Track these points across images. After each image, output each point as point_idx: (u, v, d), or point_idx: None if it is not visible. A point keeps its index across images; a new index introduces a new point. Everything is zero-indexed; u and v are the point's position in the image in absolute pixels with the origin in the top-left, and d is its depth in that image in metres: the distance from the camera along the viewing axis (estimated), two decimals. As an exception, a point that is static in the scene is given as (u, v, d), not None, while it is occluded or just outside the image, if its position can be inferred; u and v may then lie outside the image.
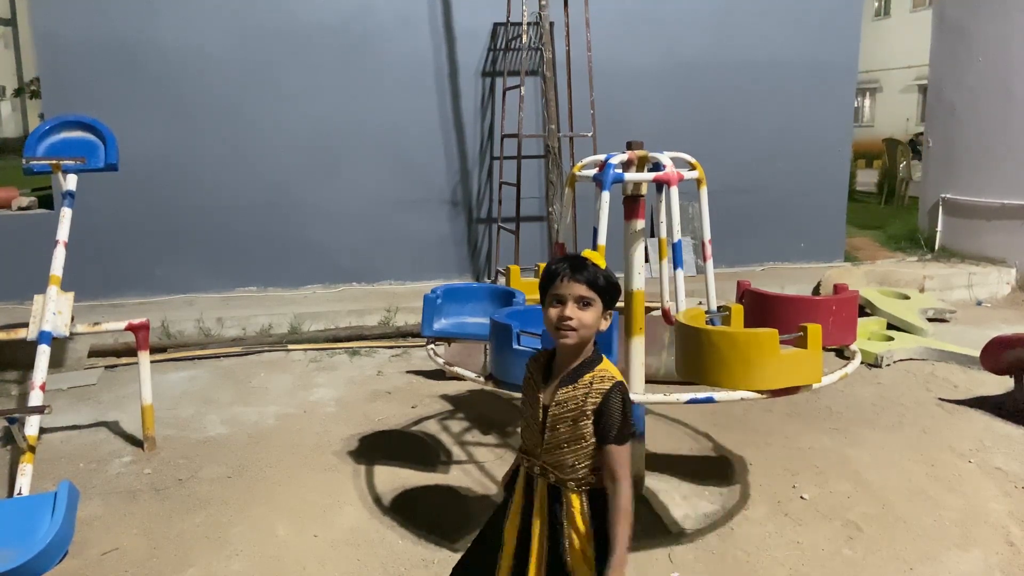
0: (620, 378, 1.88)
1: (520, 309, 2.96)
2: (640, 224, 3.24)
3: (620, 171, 3.02)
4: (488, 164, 7.32)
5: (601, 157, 3.14)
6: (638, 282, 3.15)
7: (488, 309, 3.11)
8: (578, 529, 1.87)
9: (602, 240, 2.96)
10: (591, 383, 1.85)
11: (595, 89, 6.85)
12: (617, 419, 1.83)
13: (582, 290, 1.85)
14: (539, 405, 1.92)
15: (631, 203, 3.22)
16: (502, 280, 3.87)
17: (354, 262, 7.08)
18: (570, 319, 1.83)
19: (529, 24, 6.65)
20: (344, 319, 6.10)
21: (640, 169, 3.14)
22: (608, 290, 1.88)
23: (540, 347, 2.48)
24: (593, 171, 3.09)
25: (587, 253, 1.91)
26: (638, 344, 3.16)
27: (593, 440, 1.85)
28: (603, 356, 1.92)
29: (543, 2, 6.60)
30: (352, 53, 6.83)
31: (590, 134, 6.80)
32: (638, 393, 2.93)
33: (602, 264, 1.89)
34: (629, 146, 3.13)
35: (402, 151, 7.05)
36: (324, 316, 6.10)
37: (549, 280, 1.89)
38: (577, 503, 1.88)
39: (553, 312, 1.86)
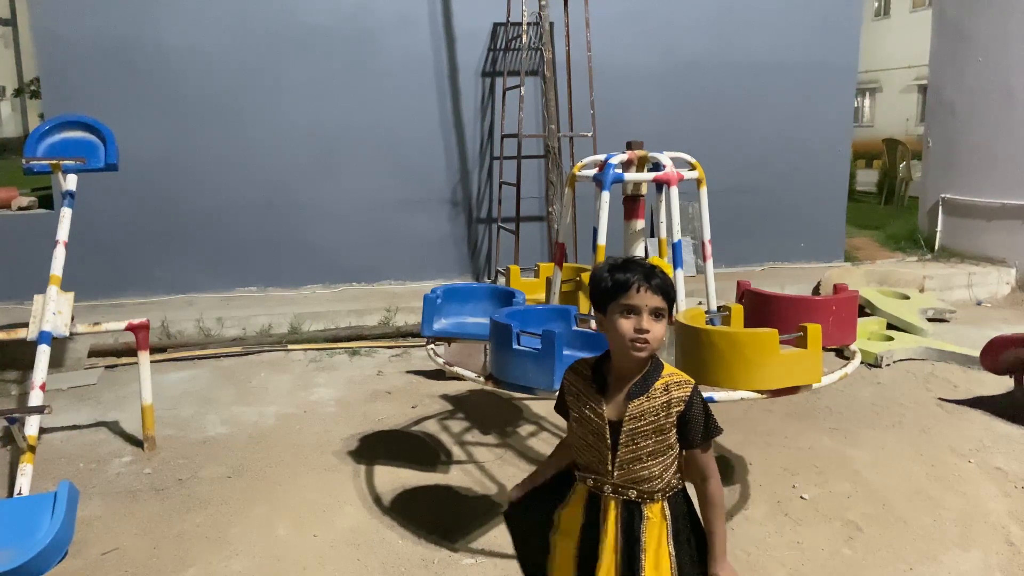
0: (691, 380, 1.83)
1: (520, 309, 2.96)
2: (640, 224, 3.24)
3: (620, 171, 3.03)
4: (488, 164, 7.32)
5: (601, 157, 3.15)
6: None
7: (488, 309, 3.11)
8: (654, 544, 1.82)
9: (602, 240, 2.96)
10: (667, 389, 1.79)
11: (595, 89, 6.85)
12: (702, 421, 1.80)
13: (657, 301, 1.75)
14: (603, 420, 1.81)
15: (631, 203, 3.22)
16: (502, 280, 3.87)
17: (354, 262, 7.08)
18: (647, 332, 1.73)
19: (529, 24, 6.65)
20: (344, 319, 6.10)
21: (640, 169, 3.15)
22: (674, 299, 1.80)
23: (540, 347, 2.48)
24: (593, 171, 3.09)
25: (655, 260, 1.86)
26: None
27: (678, 447, 1.81)
28: (661, 360, 1.85)
29: (543, 2, 6.60)
30: (352, 53, 6.83)
31: (590, 134, 6.80)
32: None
33: (669, 271, 1.85)
34: (629, 146, 3.14)
35: (402, 151, 7.05)
36: (324, 316, 6.10)
37: (617, 289, 1.75)
38: (659, 510, 1.83)
39: (626, 324, 1.74)
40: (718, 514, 1.85)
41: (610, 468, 1.81)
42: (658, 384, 1.79)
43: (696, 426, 1.79)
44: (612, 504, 1.83)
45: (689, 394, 1.79)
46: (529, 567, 2.07)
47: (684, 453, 1.85)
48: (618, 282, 1.76)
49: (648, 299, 1.74)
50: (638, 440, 1.78)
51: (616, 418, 1.80)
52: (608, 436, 1.80)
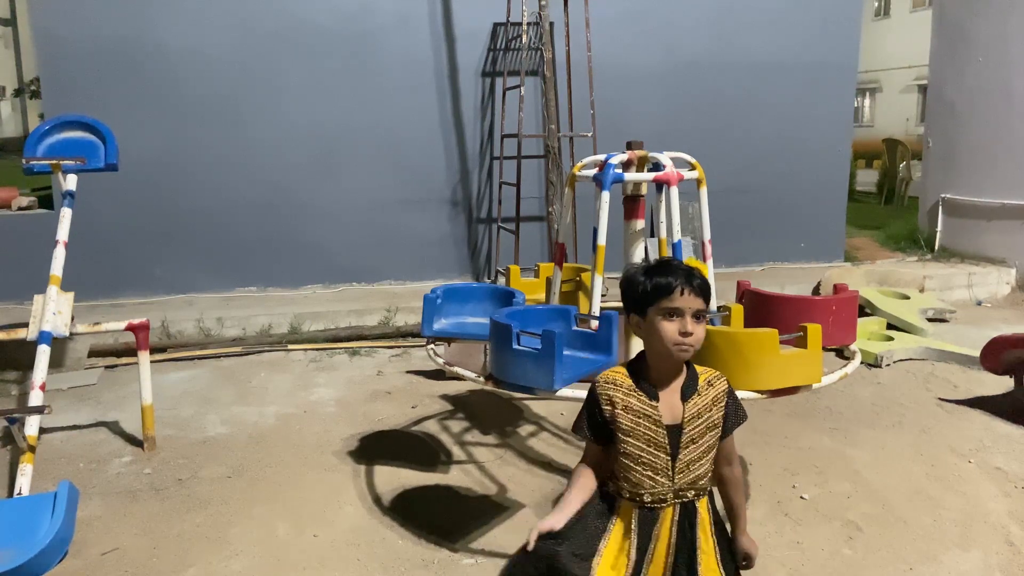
0: (720, 372, 1.91)
1: (520, 309, 2.96)
2: (640, 224, 3.24)
3: (620, 171, 3.03)
4: (488, 164, 7.32)
5: (601, 157, 3.15)
6: (638, 282, 3.14)
7: (488, 309, 3.10)
8: (705, 537, 1.86)
9: (602, 240, 2.96)
10: (710, 384, 1.85)
11: (595, 89, 6.85)
12: (740, 408, 1.89)
13: (700, 303, 1.78)
14: (661, 427, 1.80)
15: (631, 203, 3.22)
16: (502, 280, 3.87)
17: (354, 262, 7.08)
18: (691, 335, 1.76)
19: (529, 24, 6.65)
20: (344, 319, 6.10)
21: (640, 169, 3.15)
22: (711, 300, 1.86)
23: (540, 347, 2.48)
24: (593, 171, 3.09)
25: (690, 262, 1.88)
26: (638, 344, 3.15)
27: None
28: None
29: (543, 2, 6.60)
30: (352, 53, 6.83)
31: (590, 134, 6.80)
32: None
33: (705, 271, 1.89)
34: (629, 146, 3.13)
35: (402, 151, 7.05)
36: (324, 316, 6.10)
37: (660, 292, 1.77)
38: (705, 505, 1.88)
39: (670, 327, 1.76)
40: (741, 491, 1.96)
41: (671, 474, 1.81)
42: (701, 380, 1.85)
43: (733, 415, 1.87)
44: (670, 511, 1.83)
45: (727, 387, 1.88)
46: None
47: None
48: (659, 285, 1.77)
49: (691, 301, 1.77)
50: (697, 439, 1.82)
51: (672, 421, 1.80)
52: (667, 442, 1.80)
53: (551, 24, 6.68)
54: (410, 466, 3.76)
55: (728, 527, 2.00)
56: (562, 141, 6.82)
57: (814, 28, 7.81)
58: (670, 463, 1.80)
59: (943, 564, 2.94)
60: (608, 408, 1.84)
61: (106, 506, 3.41)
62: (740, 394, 2.57)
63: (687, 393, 1.81)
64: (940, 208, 8.51)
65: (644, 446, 1.81)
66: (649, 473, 1.81)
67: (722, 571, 1.87)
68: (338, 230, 6.98)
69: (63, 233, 4.16)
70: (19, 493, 3.30)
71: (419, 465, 3.77)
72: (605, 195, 2.92)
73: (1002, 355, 4.54)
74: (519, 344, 2.54)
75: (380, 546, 3.07)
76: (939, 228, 8.53)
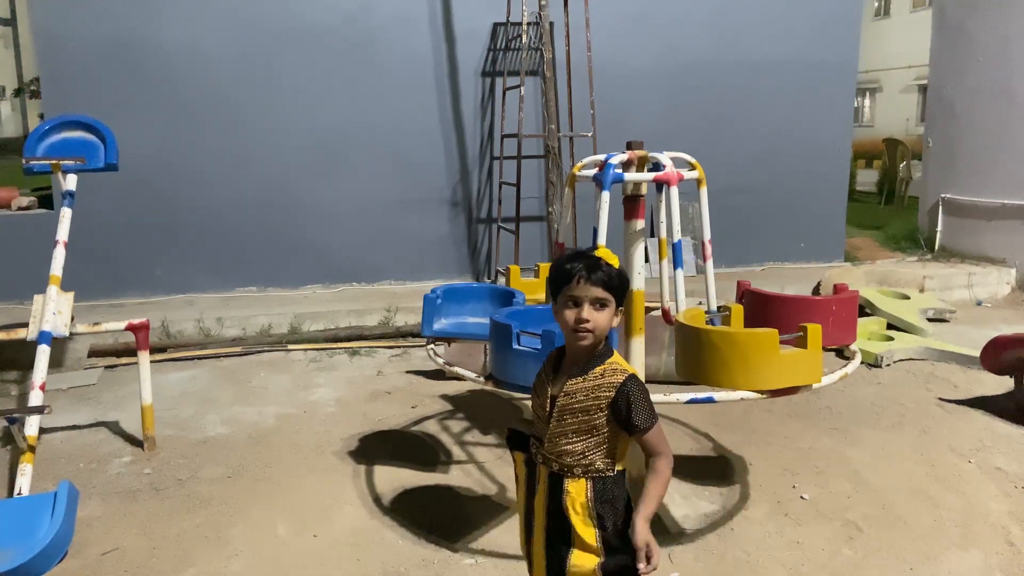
0: (632, 370, 1.91)
1: (520, 309, 2.96)
2: (640, 224, 3.24)
3: (620, 171, 3.02)
4: (488, 164, 7.32)
5: (601, 157, 3.14)
6: (638, 282, 3.15)
7: (488, 309, 3.11)
8: (579, 515, 1.89)
9: (602, 240, 2.96)
10: (603, 375, 1.88)
11: (595, 89, 6.85)
12: (640, 407, 1.86)
13: (598, 292, 1.85)
14: (547, 396, 1.95)
15: (631, 203, 3.22)
16: (502, 280, 3.87)
17: (354, 262, 7.08)
18: (587, 321, 1.84)
19: (529, 24, 6.65)
20: (344, 319, 6.10)
21: (640, 169, 3.14)
22: (622, 289, 1.90)
23: (540, 347, 2.48)
24: (593, 171, 3.09)
25: (602, 252, 1.91)
26: (638, 344, 3.16)
27: (606, 431, 1.88)
28: (613, 350, 1.95)
29: (543, 2, 6.60)
30: (352, 53, 6.83)
31: (590, 134, 6.80)
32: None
33: (615, 261, 1.90)
34: (629, 146, 3.13)
35: (402, 151, 7.05)
36: (324, 316, 6.10)
37: (563, 280, 1.88)
38: (581, 489, 1.89)
39: (569, 314, 1.86)
40: (655, 479, 1.88)
41: (544, 438, 1.94)
42: (597, 369, 1.89)
43: (632, 413, 1.86)
44: (543, 472, 1.97)
45: (621, 382, 1.87)
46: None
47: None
48: (564, 272, 1.88)
49: (590, 291, 1.85)
50: (566, 416, 1.90)
51: (556, 395, 1.93)
52: (547, 409, 1.93)
53: (551, 24, 6.69)
54: (410, 466, 3.76)
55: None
56: (562, 141, 6.82)
57: (814, 28, 7.81)
58: (546, 428, 1.94)
59: (943, 564, 2.95)
60: (539, 373, 2.06)
61: (106, 506, 3.41)
62: (740, 394, 2.59)
63: (573, 373, 1.90)
64: (940, 208, 8.52)
65: (538, 408, 1.99)
66: (538, 432, 1.98)
67: (602, 554, 1.87)
68: (338, 230, 6.99)
69: (63, 233, 4.16)
70: (19, 493, 3.30)
71: (419, 465, 3.78)
72: (605, 195, 2.92)
73: (1002, 355, 4.54)
74: (519, 344, 2.54)
75: (380, 546, 3.07)
76: (939, 228, 8.53)
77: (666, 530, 3.17)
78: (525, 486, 2.05)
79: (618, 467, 1.92)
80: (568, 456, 1.90)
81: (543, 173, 7.04)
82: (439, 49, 7.04)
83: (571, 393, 1.89)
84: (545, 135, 6.82)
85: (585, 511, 1.89)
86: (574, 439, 1.90)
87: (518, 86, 6.62)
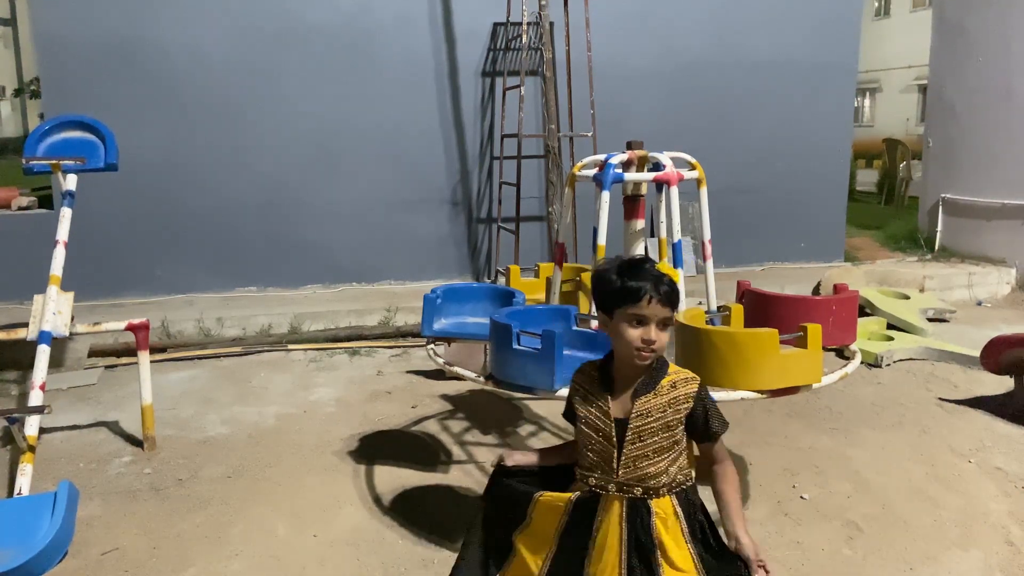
0: (697, 377, 1.87)
1: (520, 309, 2.96)
2: (640, 224, 3.24)
3: (620, 171, 3.03)
4: (488, 164, 7.32)
5: (601, 157, 3.15)
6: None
7: (488, 309, 3.10)
8: (670, 536, 1.82)
9: (602, 240, 2.96)
10: (673, 386, 1.82)
11: (595, 89, 6.85)
12: (715, 414, 1.85)
13: (666, 312, 1.78)
14: (609, 419, 1.84)
15: (631, 203, 3.22)
16: (502, 280, 3.87)
17: (354, 262, 7.07)
18: (654, 342, 1.78)
19: (529, 24, 6.65)
20: (344, 319, 6.10)
21: (640, 169, 3.15)
22: (678, 303, 1.85)
23: (540, 347, 2.48)
24: (593, 171, 3.09)
25: (663, 267, 1.88)
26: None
27: (684, 444, 1.85)
28: (666, 359, 1.88)
29: (543, 2, 6.60)
30: (352, 53, 6.83)
31: (590, 134, 6.80)
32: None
33: (676, 277, 1.87)
34: (629, 146, 3.14)
35: (402, 151, 7.05)
36: (324, 316, 6.10)
37: (629, 297, 1.77)
38: (668, 507, 1.84)
39: (635, 333, 1.78)
40: (731, 487, 1.87)
41: (615, 466, 1.83)
42: (665, 382, 1.83)
43: (708, 421, 1.84)
44: (616, 503, 1.85)
45: (696, 391, 1.83)
46: (488, 538, 2.06)
47: (698, 447, 1.89)
48: (629, 290, 1.78)
49: (658, 310, 1.77)
50: (644, 437, 1.81)
51: (622, 416, 1.83)
52: (614, 434, 1.83)
53: (551, 24, 6.69)
54: (410, 466, 3.76)
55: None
56: (562, 141, 6.82)
57: (814, 28, 7.81)
58: (615, 455, 1.83)
59: (943, 564, 2.94)
60: (575, 395, 1.95)
61: (106, 506, 3.41)
62: (740, 394, 2.59)
63: (640, 391, 1.82)
64: (940, 208, 8.52)
65: (593, 434, 1.87)
66: (597, 460, 1.87)
67: (702, 574, 1.82)
68: (338, 230, 6.98)
69: (63, 233, 4.16)
70: (19, 493, 3.30)
71: (419, 465, 3.77)
72: (605, 195, 2.92)
73: (1002, 355, 4.54)
74: (519, 344, 2.54)
75: (380, 546, 3.07)
76: (939, 228, 8.53)
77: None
78: (570, 527, 1.89)
79: (693, 473, 1.89)
80: (652, 478, 1.82)
81: (543, 173, 7.04)
82: (439, 49, 7.04)
83: (646, 412, 1.81)
84: (545, 135, 6.82)
85: (677, 528, 1.83)
86: (656, 459, 1.82)
87: (518, 86, 6.62)
